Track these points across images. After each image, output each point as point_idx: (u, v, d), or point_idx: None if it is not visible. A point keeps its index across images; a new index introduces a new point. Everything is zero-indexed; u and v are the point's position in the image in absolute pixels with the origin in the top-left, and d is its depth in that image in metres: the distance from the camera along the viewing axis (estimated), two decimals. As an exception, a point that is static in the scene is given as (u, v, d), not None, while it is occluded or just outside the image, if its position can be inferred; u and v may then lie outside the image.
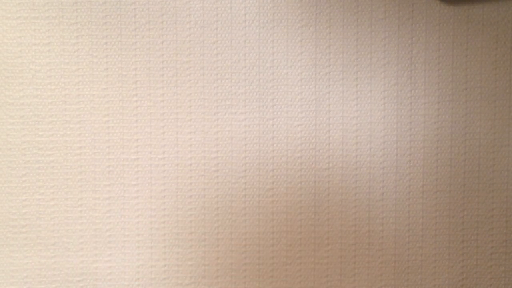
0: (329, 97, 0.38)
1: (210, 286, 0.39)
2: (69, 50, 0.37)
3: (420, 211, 0.39)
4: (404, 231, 0.39)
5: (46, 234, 0.38)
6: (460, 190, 0.39)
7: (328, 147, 0.38)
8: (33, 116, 0.37)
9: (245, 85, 0.38)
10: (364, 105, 0.38)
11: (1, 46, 0.37)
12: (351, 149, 0.39)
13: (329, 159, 0.38)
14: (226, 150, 0.38)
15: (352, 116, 0.38)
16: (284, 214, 0.39)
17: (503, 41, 0.38)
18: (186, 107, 0.38)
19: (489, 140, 0.39)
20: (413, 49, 0.38)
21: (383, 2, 0.38)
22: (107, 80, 0.38)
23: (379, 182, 0.39)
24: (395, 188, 0.39)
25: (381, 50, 0.38)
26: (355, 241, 0.39)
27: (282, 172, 0.38)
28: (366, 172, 0.39)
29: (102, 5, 0.37)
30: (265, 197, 0.38)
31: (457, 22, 0.38)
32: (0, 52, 0.37)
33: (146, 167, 0.38)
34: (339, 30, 0.38)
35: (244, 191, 0.38)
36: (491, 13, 0.38)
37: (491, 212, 0.39)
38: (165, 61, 0.38)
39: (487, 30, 0.38)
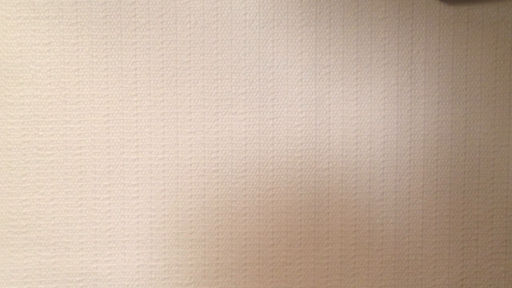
0: (329, 97, 0.38)
1: (210, 286, 0.39)
2: (69, 50, 0.37)
3: (420, 211, 0.39)
4: (404, 231, 0.39)
5: (46, 234, 0.38)
6: (460, 190, 0.39)
7: (328, 147, 0.38)
8: (33, 116, 0.37)
9: (245, 85, 0.38)
10: (364, 105, 0.38)
11: (1, 46, 0.37)
12: (351, 149, 0.39)
13: (329, 159, 0.38)
14: (226, 150, 0.38)
15: (352, 116, 0.38)
16: (284, 214, 0.39)
17: (503, 41, 0.39)
18: (186, 107, 0.38)
19: (489, 140, 0.39)
20: (413, 49, 0.38)
21: (383, 2, 0.38)
22: (107, 80, 0.38)
23: (379, 182, 0.39)
24: (395, 188, 0.39)
25: (381, 50, 0.38)
26: (355, 241, 0.39)
27: (282, 172, 0.38)
28: (366, 172, 0.39)
29: (102, 5, 0.37)
30: (265, 197, 0.38)
31: (457, 22, 0.38)
32: (0, 52, 0.37)
33: (146, 167, 0.38)
34: (339, 30, 0.38)
35: (244, 191, 0.38)
36: (491, 13, 0.38)
37: (491, 212, 0.39)
38: (165, 61, 0.38)
39: (487, 30, 0.38)
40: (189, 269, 0.39)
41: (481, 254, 0.39)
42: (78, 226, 0.38)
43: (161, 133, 0.38)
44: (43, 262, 0.38)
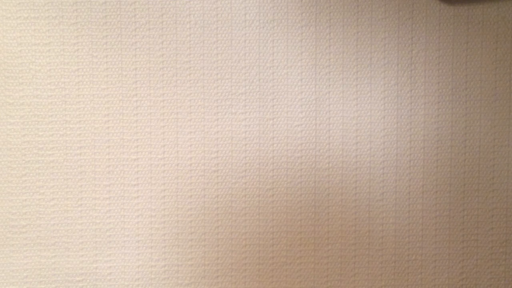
0: (329, 97, 0.38)
1: (210, 286, 0.39)
2: (69, 50, 0.37)
3: (420, 211, 0.39)
4: (404, 231, 0.39)
5: (46, 234, 0.38)
6: (460, 190, 0.39)
7: (328, 147, 0.38)
8: (33, 116, 0.37)
9: (245, 85, 0.38)
10: (364, 105, 0.38)
11: (1, 46, 0.37)
12: (351, 149, 0.39)
13: (329, 159, 0.38)
14: (226, 150, 0.38)
15: (352, 116, 0.38)
16: (284, 214, 0.39)
17: (503, 41, 0.39)
18: (186, 107, 0.38)
19: (489, 140, 0.39)
20: (413, 49, 0.38)
21: (383, 2, 0.38)
22: (107, 80, 0.38)
23: (379, 182, 0.39)
24: (395, 188, 0.39)
25: (381, 50, 0.38)
26: (355, 241, 0.39)
27: (282, 172, 0.38)
28: (366, 172, 0.39)
29: (102, 5, 0.37)
30: (265, 197, 0.38)
31: (457, 22, 0.38)
32: (0, 52, 0.37)
33: (146, 167, 0.38)
34: (339, 30, 0.38)
35: (244, 191, 0.38)
36: (491, 13, 0.38)
37: (491, 212, 0.39)
38: (165, 61, 0.38)
39: (487, 30, 0.38)
40: (189, 269, 0.39)
41: (481, 254, 0.39)
42: (78, 226, 0.38)
43: (161, 133, 0.38)
44: (43, 262, 0.38)
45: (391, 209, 0.39)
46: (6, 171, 0.37)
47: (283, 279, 0.39)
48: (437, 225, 0.39)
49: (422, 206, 0.39)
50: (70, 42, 0.37)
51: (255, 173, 0.38)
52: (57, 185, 0.38)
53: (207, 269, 0.39)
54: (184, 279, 0.39)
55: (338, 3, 0.38)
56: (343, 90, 0.38)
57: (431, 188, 0.39)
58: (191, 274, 0.39)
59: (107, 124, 0.38)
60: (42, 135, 0.37)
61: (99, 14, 0.37)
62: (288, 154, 0.38)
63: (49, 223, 0.38)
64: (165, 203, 0.38)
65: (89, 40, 0.37)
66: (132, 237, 0.38)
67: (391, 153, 0.39)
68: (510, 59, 0.39)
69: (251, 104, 0.38)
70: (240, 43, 0.38)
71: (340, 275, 0.39)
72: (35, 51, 0.37)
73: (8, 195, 0.38)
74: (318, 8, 0.38)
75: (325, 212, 0.39)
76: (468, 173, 0.39)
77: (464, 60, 0.39)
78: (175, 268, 0.39)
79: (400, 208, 0.39)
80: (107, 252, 0.38)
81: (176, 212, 0.38)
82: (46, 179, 0.38)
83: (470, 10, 0.38)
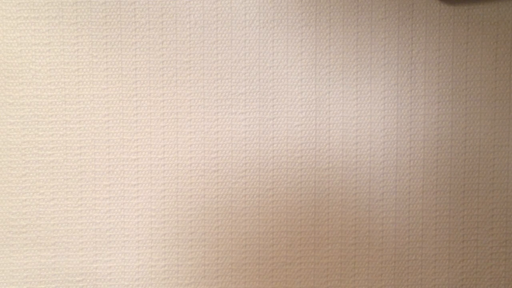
0: (329, 97, 0.38)
1: (210, 286, 0.39)
2: (69, 50, 0.37)
3: (420, 211, 0.39)
4: (404, 231, 0.39)
5: (46, 234, 0.38)
6: (460, 190, 0.39)
7: (328, 147, 0.38)
8: (33, 116, 0.37)
9: (245, 85, 0.38)
10: (364, 105, 0.38)
11: (1, 46, 0.37)
12: (351, 149, 0.39)
13: (329, 159, 0.38)
14: (226, 150, 0.38)
15: (352, 116, 0.38)
16: (284, 214, 0.39)
17: (503, 41, 0.39)
18: (186, 107, 0.38)
19: (489, 140, 0.39)
20: (413, 49, 0.38)
21: (383, 2, 0.38)
22: (107, 80, 0.38)
23: (379, 182, 0.39)
24: (395, 188, 0.39)
25: (381, 50, 0.38)
26: (355, 241, 0.39)
27: (282, 172, 0.38)
28: (366, 172, 0.39)
29: (102, 5, 0.37)
30: (265, 197, 0.38)
31: (457, 22, 0.38)
32: (0, 52, 0.37)
33: (146, 167, 0.38)
34: (339, 30, 0.38)
35: (244, 191, 0.38)
36: (491, 13, 0.38)
37: (491, 212, 0.39)
38: (165, 61, 0.38)
39: (487, 30, 0.38)
40: (189, 269, 0.39)
41: (481, 254, 0.39)
42: (78, 226, 0.38)
43: (161, 133, 0.38)
44: (43, 262, 0.38)
45: (391, 209, 0.39)
46: (6, 171, 0.37)
47: (283, 279, 0.39)
48: (437, 225, 0.39)
49: (422, 206, 0.39)
50: (70, 42, 0.37)
51: (255, 173, 0.38)
52: (57, 185, 0.38)
53: (207, 269, 0.39)
54: (184, 279, 0.39)
55: (338, 3, 0.38)
56: (343, 90, 0.38)
57: (431, 188, 0.39)
58: (191, 274, 0.39)
59: (107, 124, 0.38)
60: (42, 135, 0.37)
61: (99, 14, 0.37)
62: (288, 154, 0.38)
63: (49, 223, 0.38)
64: (165, 203, 0.38)
65: (89, 40, 0.37)
66: (132, 237, 0.38)
67: (391, 153, 0.39)
68: (510, 59, 0.39)
69: (251, 104, 0.38)
70: (240, 43, 0.38)
71: (340, 275, 0.39)
72: (35, 51, 0.37)
73: (8, 195, 0.38)
74: (318, 8, 0.38)
75: (325, 212, 0.39)
76: (468, 173, 0.39)
77: (464, 60, 0.39)
78: (175, 268, 0.39)
79: (400, 208, 0.39)
80: (107, 252, 0.38)
81: (176, 212, 0.38)
82: (46, 179, 0.38)
83: (470, 10, 0.38)
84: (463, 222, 0.39)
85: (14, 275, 0.38)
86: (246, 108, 0.38)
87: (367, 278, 0.39)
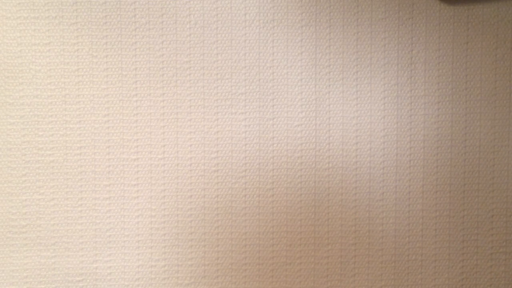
0: (329, 97, 0.38)
1: (210, 286, 0.39)
2: (69, 50, 0.37)
3: (420, 211, 0.39)
4: (404, 231, 0.39)
5: (46, 234, 0.38)
6: (460, 190, 0.39)
7: (328, 147, 0.38)
8: (33, 116, 0.37)
9: (245, 85, 0.38)
10: (364, 105, 0.38)
11: (1, 46, 0.37)
12: (351, 149, 0.39)
13: (329, 159, 0.38)
14: (226, 150, 0.38)
15: (352, 116, 0.38)
16: (284, 214, 0.39)
17: (503, 41, 0.39)
18: (186, 107, 0.38)
19: (489, 140, 0.39)
20: (413, 49, 0.38)
21: (383, 2, 0.38)
22: (107, 80, 0.38)
23: (379, 182, 0.39)
24: (395, 188, 0.39)
25: (381, 50, 0.38)
26: (355, 241, 0.39)
27: (282, 172, 0.38)
28: (366, 172, 0.39)
29: (102, 5, 0.37)
30: (265, 197, 0.38)
31: (457, 22, 0.38)
32: (0, 52, 0.37)
33: (146, 167, 0.38)
34: (339, 30, 0.38)
35: (244, 191, 0.38)
36: (491, 13, 0.38)
37: (491, 212, 0.39)
38: (165, 61, 0.38)
39: (487, 30, 0.38)
40: (189, 269, 0.39)
41: (481, 254, 0.39)
42: (78, 226, 0.38)
43: (161, 133, 0.38)
44: (43, 262, 0.38)
45: (391, 209, 0.39)
46: (6, 171, 0.37)
47: (283, 279, 0.39)
48: (437, 225, 0.39)
49: (422, 206, 0.39)
50: (70, 42, 0.37)
51: (255, 173, 0.38)
52: (57, 185, 0.38)
53: (207, 269, 0.39)
54: (184, 279, 0.39)
55: (338, 3, 0.38)
56: (343, 90, 0.38)
57: (431, 188, 0.39)
58: (191, 274, 0.39)
59: (107, 124, 0.38)
60: (42, 135, 0.37)
61: (99, 14, 0.37)
62: (288, 154, 0.38)
63: (49, 223, 0.38)
64: (165, 203, 0.38)
65: (89, 40, 0.37)
66: (132, 237, 0.38)
67: (391, 153, 0.39)
68: (510, 59, 0.39)
69: (251, 104, 0.38)
70: (240, 43, 0.38)
71: (340, 275, 0.39)
72: (35, 51, 0.37)
73: (8, 195, 0.38)
74: (318, 8, 0.38)
75: (325, 212, 0.39)
76: (468, 173, 0.39)
77: (464, 60, 0.39)
78: (175, 268, 0.39)
79: (400, 208, 0.39)
80: (107, 252, 0.38)
81: (176, 212, 0.38)
82: (46, 179, 0.38)
83: (470, 10, 0.38)
84: (463, 222, 0.39)
85: (14, 275, 0.38)
86: (246, 108, 0.38)
87: (367, 278, 0.39)
